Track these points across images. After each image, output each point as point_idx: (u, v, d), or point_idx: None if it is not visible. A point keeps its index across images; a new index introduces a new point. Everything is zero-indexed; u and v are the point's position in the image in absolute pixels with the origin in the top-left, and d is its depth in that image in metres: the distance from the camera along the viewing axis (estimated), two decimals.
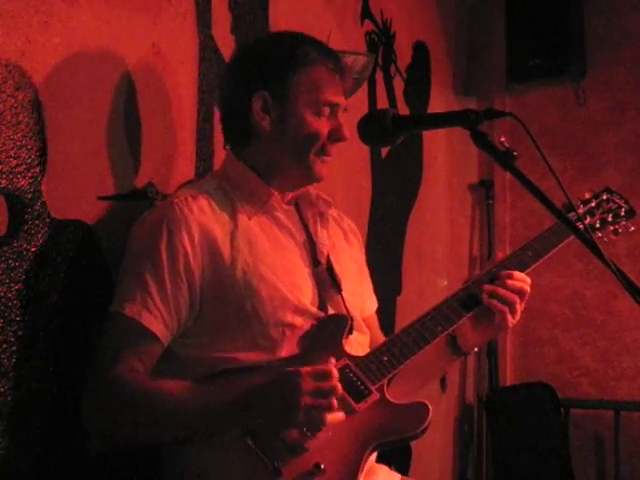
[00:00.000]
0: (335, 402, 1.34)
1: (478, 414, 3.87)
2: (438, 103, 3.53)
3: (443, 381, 3.50)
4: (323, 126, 1.59)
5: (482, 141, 1.32)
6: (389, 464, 1.69)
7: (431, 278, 3.44)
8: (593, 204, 1.88)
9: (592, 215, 1.87)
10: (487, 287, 1.62)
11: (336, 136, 1.60)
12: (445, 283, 3.53)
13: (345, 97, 1.64)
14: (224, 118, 1.69)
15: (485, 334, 1.68)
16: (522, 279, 1.64)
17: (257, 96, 1.58)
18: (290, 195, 1.67)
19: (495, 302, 1.61)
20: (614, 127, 3.79)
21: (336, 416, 1.36)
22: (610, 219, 1.88)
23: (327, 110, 1.59)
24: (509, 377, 3.93)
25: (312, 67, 1.58)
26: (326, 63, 1.60)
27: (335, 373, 1.35)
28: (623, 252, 3.65)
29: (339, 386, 1.35)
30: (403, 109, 3.19)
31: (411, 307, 3.07)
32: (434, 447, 3.46)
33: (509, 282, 1.62)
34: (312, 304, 1.57)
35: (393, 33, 3.12)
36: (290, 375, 1.34)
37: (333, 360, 1.41)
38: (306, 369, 1.34)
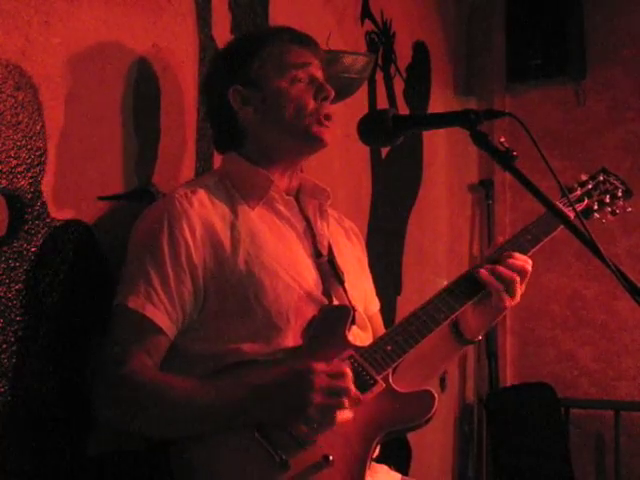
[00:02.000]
0: (347, 402, 1.34)
1: (478, 414, 3.87)
2: (438, 103, 3.53)
3: (443, 381, 3.49)
4: (303, 89, 1.61)
5: (482, 141, 1.32)
6: (389, 464, 1.69)
7: (431, 278, 3.43)
8: (590, 186, 1.87)
9: (589, 197, 1.85)
10: (487, 265, 1.62)
11: (322, 95, 1.61)
12: (445, 283, 3.51)
13: (315, 60, 1.65)
14: (215, 129, 1.73)
15: (484, 317, 1.67)
16: (523, 259, 1.63)
17: (231, 92, 1.62)
18: (291, 181, 1.67)
19: (492, 280, 1.60)
20: (614, 127, 3.79)
21: (345, 415, 1.37)
22: (607, 200, 1.87)
23: (301, 74, 1.61)
24: (509, 377, 3.92)
25: (270, 45, 1.63)
26: (281, 36, 1.65)
27: (350, 374, 1.37)
28: (623, 252, 3.65)
29: (352, 387, 1.36)
30: (403, 109, 3.19)
31: (411, 307, 3.01)
32: (434, 447, 3.46)
33: (509, 260, 1.62)
34: (315, 292, 1.58)
35: (393, 33, 3.12)
36: (304, 371, 1.34)
37: (348, 364, 1.42)
38: (321, 366, 1.35)
